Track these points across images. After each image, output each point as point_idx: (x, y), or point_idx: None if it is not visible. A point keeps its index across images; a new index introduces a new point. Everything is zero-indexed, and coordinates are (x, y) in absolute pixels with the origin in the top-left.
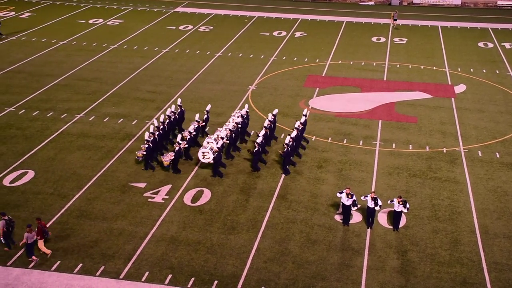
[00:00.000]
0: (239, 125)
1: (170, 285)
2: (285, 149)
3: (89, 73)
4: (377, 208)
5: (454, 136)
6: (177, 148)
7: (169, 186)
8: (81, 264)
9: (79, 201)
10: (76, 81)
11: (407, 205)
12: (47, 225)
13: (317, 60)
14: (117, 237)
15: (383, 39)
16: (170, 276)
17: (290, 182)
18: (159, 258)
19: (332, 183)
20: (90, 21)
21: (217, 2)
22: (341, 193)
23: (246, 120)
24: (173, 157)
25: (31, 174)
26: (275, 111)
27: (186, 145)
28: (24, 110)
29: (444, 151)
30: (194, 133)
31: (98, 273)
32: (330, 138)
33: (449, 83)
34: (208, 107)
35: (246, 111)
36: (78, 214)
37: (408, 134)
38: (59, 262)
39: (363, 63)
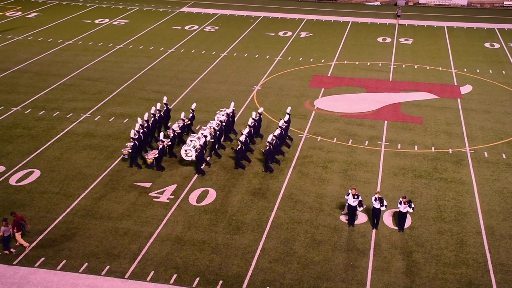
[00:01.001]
0: (224, 123)
1: (175, 285)
2: (267, 147)
3: (95, 73)
4: (382, 208)
5: (460, 137)
6: (160, 146)
7: (174, 186)
8: (86, 264)
9: (84, 200)
10: (82, 81)
11: (412, 205)
12: (53, 224)
13: (323, 61)
14: (122, 236)
15: (389, 40)
16: (175, 275)
17: (295, 183)
18: (164, 258)
19: (338, 183)
20: (96, 21)
21: (222, 2)
22: (348, 195)
23: (231, 119)
24: (157, 155)
25: (37, 173)
26: (261, 110)
27: (169, 143)
28: (30, 110)
29: (450, 152)
30: (179, 131)
31: (103, 273)
32: (335, 139)
33: (455, 84)
34: (194, 106)
35: (233, 109)
36: (83, 213)
37: (413, 135)
38: (64, 261)
39: (368, 64)
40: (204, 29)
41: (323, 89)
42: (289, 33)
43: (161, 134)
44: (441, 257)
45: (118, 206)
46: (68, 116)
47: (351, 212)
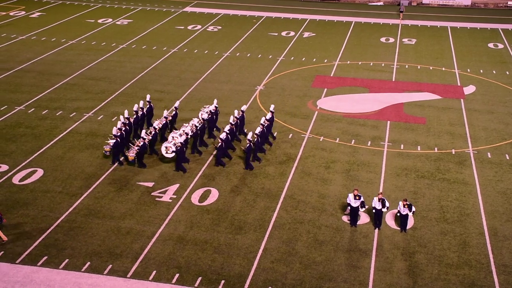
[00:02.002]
0: (205, 120)
1: (177, 284)
2: (248, 145)
3: (98, 73)
4: (384, 209)
5: (463, 137)
6: (141, 143)
7: (177, 185)
8: (89, 263)
9: (87, 199)
10: (85, 80)
11: (413, 208)
12: (56, 223)
13: (326, 61)
14: (124, 236)
15: (392, 40)
16: (177, 275)
17: (297, 183)
18: (166, 257)
19: (340, 183)
20: (99, 21)
21: (225, 2)
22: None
23: (214, 116)
24: (138, 151)
25: (40, 172)
26: (244, 107)
27: (150, 138)
28: (33, 109)
29: (453, 153)
30: (160, 128)
31: (105, 272)
32: (338, 139)
33: (459, 84)
34: (177, 104)
35: (215, 107)
36: (86, 212)
37: (416, 135)
38: (67, 260)
39: (371, 64)
40: (207, 29)
41: (325, 89)
42: (292, 33)
43: (143, 131)
44: (443, 258)
45: (120, 205)
46: (71, 116)
47: (353, 213)
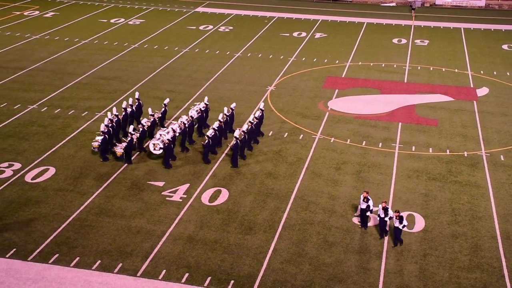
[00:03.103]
0: (194, 118)
1: (187, 284)
2: (234, 142)
3: (110, 72)
4: (386, 218)
5: (476, 139)
6: (129, 139)
7: (187, 185)
8: (99, 261)
9: (98, 198)
10: (97, 80)
11: (404, 222)
12: (67, 222)
13: (337, 61)
14: (135, 235)
15: (404, 41)
16: (187, 274)
17: (308, 184)
18: (176, 257)
19: (350, 185)
20: (112, 21)
21: (237, 2)
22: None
23: (204, 114)
24: (125, 146)
25: (52, 171)
26: (233, 105)
27: (138, 135)
28: (46, 108)
29: (465, 155)
30: (149, 125)
31: (116, 270)
32: (348, 140)
33: (471, 86)
34: (166, 101)
35: (206, 104)
36: (97, 211)
37: (428, 137)
38: (78, 258)
39: (383, 65)
40: (219, 29)
41: (337, 90)
42: (304, 34)
43: (131, 127)
44: (455, 261)
45: (131, 204)
46: (83, 115)
47: (363, 215)
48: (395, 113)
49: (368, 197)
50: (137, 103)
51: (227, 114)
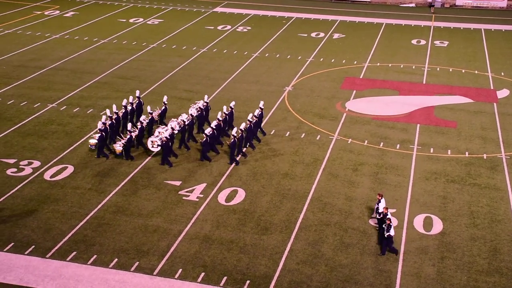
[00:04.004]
0: (194, 116)
1: (202, 283)
2: (232, 140)
3: (128, 72)
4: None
5: (496, 142)
6: (128, 136)
7: (204, 184)
8: (116, 259)
9: (115, 197)
10: (115, 79)
11: (390, 231)
12: (85, 220)
13: (355, 62)
14: (152, 233)
15: (423, 42)
16: (202, 274)
17: (324, 184)
18: (192, 256)
19: (368, 186)
20: (131, 20)
21: (255, 2)
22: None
23: (204, 112)
24: (124, 144)
25: (70, 169)
26: (232, 104)
27: (137, 132)
28: (65, 107)
29: (485, 157)
30: (147, 122)
31: (132, 269)
32: (366, 141)
33: (491, 88)
34: (165, 99)
35: (206, 102)
36: (114, 209)
37: (447, 139)
38: (95, 256)
39: (402, 66)
40: (237, 29)
41: (355, 91)
42: (322, 34)
43: (129, 124)
44: (473, 264)
45: (148, 203)
46: (101, 114)
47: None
48: (413, 114)
49: (380, 199)
50: (137, 101)
51: (227, 113)
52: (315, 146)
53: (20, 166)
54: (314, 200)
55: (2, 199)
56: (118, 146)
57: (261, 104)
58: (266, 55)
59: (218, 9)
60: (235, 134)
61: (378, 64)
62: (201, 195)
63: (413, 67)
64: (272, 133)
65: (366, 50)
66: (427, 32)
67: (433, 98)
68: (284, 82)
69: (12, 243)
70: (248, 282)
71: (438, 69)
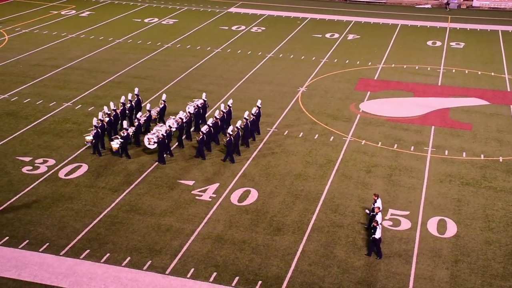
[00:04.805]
0: (192, 114)
1: (214, 283)
2: (228, 138)
3: (143, 71)
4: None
5: None
6: (124, 134)
7: (217, 184)
8: (129, 258)
9: (129, 195)
10: (130, 79)
11: (376, 233)
12: (98, 218)
13: (370, 63)
14: (164, 233)
15: (439, 43)
16: (215, 274)
17: (337, 186)
18: (204, 256)
19: (381, 188)
20: (146, 20)
21: (270, 3)
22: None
23: (201, 111)
24: (121, 142)
25: (84, 167)
26: (230, 102)
27: (134, 130)
28: (80, 106)
29: (500, 160)
30: (145, 119)
31: (145, 267)
32: (380, 143)
33: (508, 90)
34: (164, 97)
35: (204, 100)
36: (127, 208)
37: (462, 141)
38: (108, 254)
39: (417, 67)
40: (251, 30)
41: (369, 92)
42: (336, 35)
43: (124, 122)
44: (488, 268)
45: (161, 202)
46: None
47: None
48: (428, 116)
49: (377, 199)
50: (136, 99)
51: (224, 111)
52: (329, 147)
53: (36, 164)
54: (327, 201)
55: (17, 196)
56: (115, 144)
57: (259, 102)
58: (280, 55)
59: (233, 10)
60: (231, 132)
61: (393, 65)
62: (214, 195)
63: (428, 68)
64: (285, 133)
65: (380, 51)
66: (443, 33)
67: (448, 100)
68: (298, 82)
69: (27, 240)
70: (260, 282)
71: (453, 70)
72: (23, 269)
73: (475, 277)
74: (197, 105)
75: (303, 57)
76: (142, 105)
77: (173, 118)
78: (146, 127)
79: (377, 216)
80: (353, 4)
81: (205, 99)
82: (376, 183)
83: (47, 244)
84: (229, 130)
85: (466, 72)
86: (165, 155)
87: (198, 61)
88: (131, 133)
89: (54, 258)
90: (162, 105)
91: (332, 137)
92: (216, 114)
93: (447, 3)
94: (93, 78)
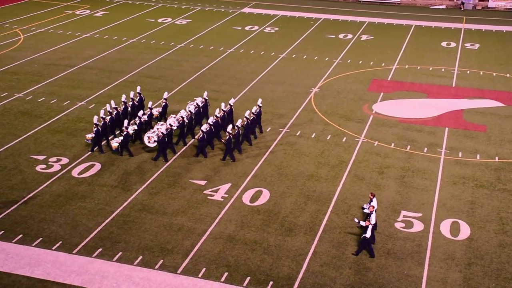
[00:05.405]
0: (193, 113)
1: (226, 283)
2: (227, 137)
3: (156, 71)
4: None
5: None
6: (125, 132)
7: (229, 184)
8: (141, 257)
9: (141, 195)
10: (143, 78)
11: (367, 232)
12: (111, 217)
13: (383, 64)
14: (176, 232)
15: (453, 44)
16: (226, 274)
17: (350, 187)
18: (216, 256)
19: (393, 189)
20: (159, 20)
21: (283, 3)
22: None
23: (201, 109)
24: (121, 140)
25: (97, 166)
26: (232, 101)
27: (135, 128)
28: (94, 105)
29: None
30: (145, 118)
31: (157, 267)
32: (393, 144)
33: None
34: (165, 95)
35: (205, 99)
36: (140, 207)
37: (476, 143)
38: (120, 253)
39: (431, 68)
40: (264, 30)
41: (382, 93)
42: (350, 36)
43: (125, 121)
44: (501, 271)
45: (173, 202)
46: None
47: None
48: (441, 117)
49: (372, 199)
50: (138, 97)
51: (225, 109)
52: (341, 148)
53: (49, 163)
54: (339, 202)
55: (31, 194)
56: (115, 142)
57: (259, 101)
58: (293, 56)
59: (246, 10)
60: (231, 131)
61: (407, 66)
62: (226, 195)
63: (443, 69)
64: (297, 134)
65: (394, 52)
66: (458, 34)
67: (463, 102)
68: (311, 83)
69: (41, 238)
70: (271, 283)
71: (468, 72)
72: (36, 266)
73: (488, 280)
74: (198, 104)
75: (316, 57)
76: (149, 103)
77: (174, 117)
78: (147, 125)
79: (371, 215)
80: (366, 5)
81: (206, 98)
82: (389, 184)
83: (60, 242)
84: (229, 128)
85: (481, 73)
86: (167, 153)
87: (211, 61)
88: (130, 132)
89: (67, 256)
90: (164, 103)
91: (345, 138)
92: (217, 112)
93: (462, 3)
94: (107, 78)
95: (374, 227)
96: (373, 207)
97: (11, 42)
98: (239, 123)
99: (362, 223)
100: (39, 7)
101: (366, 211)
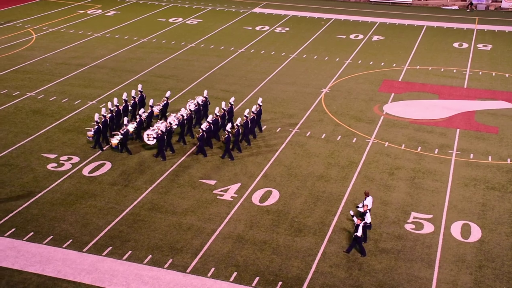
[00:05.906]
0: (193, 111)
1: (235, 283)
2: (226, 135)
3: (167, 70)
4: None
5: None
6: (125, 130)
7: (239, 184)
8: (150, 256)
9: (151, 194)
10: (154, 78)
11: (358, 231)
12: (121, 216)
13: (394, 65)
14: (185, 231)
15: (465, 45)
16: (235, 273)
17: (359, 188)
18: (225, 255)
19: (404, 191)
20: (170, 20)
21: (294, 3)
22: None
23: (202, 107)
24: (120, 137)
25: (108, 165)
26: (232, 100)
27: (135, 126)
28: (104, 104)
29: None
30: (146, 115)
31: (166, 266)
32: (403, 145)
33: None
34: (168, 94)
35: (205, 97)
36: (149, 206)
37: (487, 145)
38: (130, 252)
39: (442, 69)
40: (275, 30)
41: (393, 94)
42: (361, 36)
43: (125, 119)
44: None
45: (183, 201)
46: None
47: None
48: (453, 119)
49: (366, 197)
50: (139, 95)
51: (225, 108)
52: (351, 149)
53: (60, 161)
54: (349, 203)
55: (42, 193)
56: (114, 140)
57: (259, 100)
58: (304, 56)
59: (257, 10)
60: (229, 130)
61: (418, 67)
62: (235, 195)
63: (454, 70)
64: (307, 134)
65: (405, 52)
66: (470, 35)
67: (474, 103)
68: (321, 83)
69: (51, 236)
70: (280, 283)
71: (480, 73)
72: (47, 264)
73: (500, 283)
74: (198, 103)
75: (326, 58)
76: (150, 101)
77: (174, 115)
78: (147, 123)
79: (366, 215)
80: (378, 5)
81: (206, 96)
82: (399, 185)
83: (71, 240)
84: (228, 127)
85: (493, 74)
86: (165, 151)
87: (222, 61)
88: (130, 130)
89: (77, 255)
90: (165, 101)
91: (355, 139)
92: (216, 111)
93: (470, 4)
94: (118, 77)
95: (369, 226)
96: (367, 206)
97: (23, 41)
98: (238, 121)
99: (355, 220)
100: (51, 7)
101: (360, 209)
